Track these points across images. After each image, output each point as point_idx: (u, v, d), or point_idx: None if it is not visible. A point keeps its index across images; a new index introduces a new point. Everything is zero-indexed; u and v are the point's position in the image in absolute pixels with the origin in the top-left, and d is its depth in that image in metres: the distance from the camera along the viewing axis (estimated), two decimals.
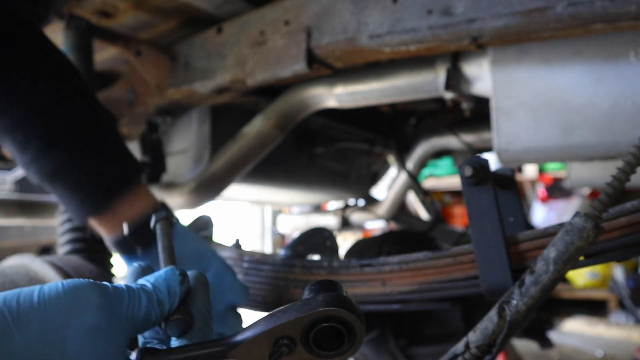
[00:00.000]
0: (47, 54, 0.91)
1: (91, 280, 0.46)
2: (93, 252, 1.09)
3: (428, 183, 4.31)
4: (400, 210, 2.10)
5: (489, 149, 1.87)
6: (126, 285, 0.48)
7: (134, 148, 1.39)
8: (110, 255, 1.14)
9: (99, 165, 0.88)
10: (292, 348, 0.46)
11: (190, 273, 0.53)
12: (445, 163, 4.22)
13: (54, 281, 0.45)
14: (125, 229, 0.82)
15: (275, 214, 3.86)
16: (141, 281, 0.50)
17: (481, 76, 1.06)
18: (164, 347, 0.50)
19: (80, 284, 0.45)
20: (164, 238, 0.61)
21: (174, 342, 0.49)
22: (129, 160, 0.93)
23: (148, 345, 0.50)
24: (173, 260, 0.58)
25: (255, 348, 0.46)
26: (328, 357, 0.47)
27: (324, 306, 0.45)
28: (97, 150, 0.89)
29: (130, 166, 0.92)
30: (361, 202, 2.17)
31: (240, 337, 0.46)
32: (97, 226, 0.90)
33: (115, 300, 0.45)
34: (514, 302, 0.67)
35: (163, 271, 0.50)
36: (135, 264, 0.55)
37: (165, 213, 0.63)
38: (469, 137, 1.75)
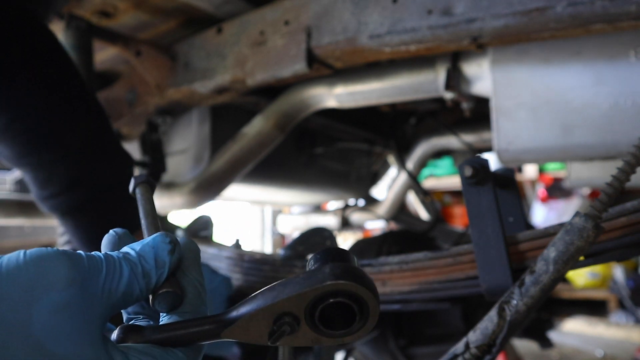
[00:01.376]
0: (84, 97, 0.93)
1: (59, 249, 0.39)
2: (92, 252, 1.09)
3: (428, 183, 4.31)
4: (400, 210, 2.10)
5: (489, 149, 1.87)
6: (105, 254, 0.41)
7: (134, 148, 1.39)
8: None
9: (114, 209, 0.91)
10: (294, 327, 0.40)
11: (180, 240, 0.47)
12: (445, 163, 4.22)
13: (16, 251, 0.38)
14: None
15: (275, 214, 3.86)
16: (125, 249, 0.43)
17: (481, 76, 1.06)
18: (151, 323, 0.45)
19: (46, 254, 0.38)
20: (146, 202, 0.54)
21: (164, 319, 0.43)
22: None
23: (132, 322, 0.45)
24: (157, 227, 0.51)
25: (252, 326, 0.40)
26: (337, 336, 0.41)
27: (331, 279, 0.38)
28: (115, 194, 0.91)
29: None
30: (361, 202, 2.17)
31: (236, 314, 0.41)
32: None
33: (89, 273, 0.39)
34: (514, 302, 0.67)
35: (150, 238, 0.44)
36: (111, 231, 0.47)
37: (146, 176, 0.57)
38: (469, 137, 1.75)
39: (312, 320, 0.40)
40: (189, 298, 0.44)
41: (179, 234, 1.15)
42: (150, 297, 0.43)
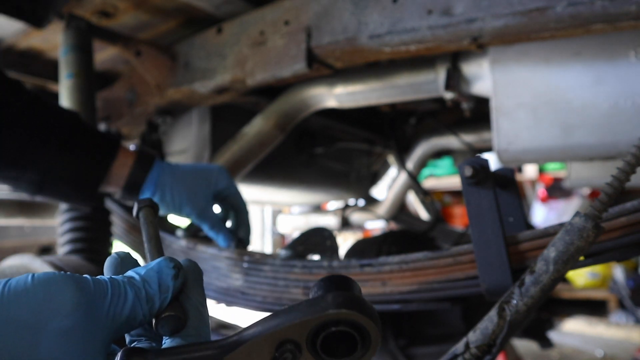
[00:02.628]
0: None
1: (67, 273, 0.40)
2: (93, 252, 1.09)
3: (428, 183, 4.31)
4: (400, 210, 2.10)
5: (489, 149, 1.87)
6: (110, 279, 0.42)
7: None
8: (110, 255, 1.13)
9: (78, 162, 0.92)
10: (296, 354, 0.41)
11: (182, 262, 0.47)
12: (445, 163, 4.22)
13: (24, 274, 0.39)
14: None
15: (275, 214, 3.86)
16: (130, 273, 0.44)
17: (481, 76, 1.06)
18: (153, 345, 0.45)
19: (53, 278, 0.39)
20: (149, 226, 0.55)
21: (167, 341, 0.44)
22: (102, 141, 0.96)
23: (135, 344, 0.45)
24: (160, 250, 0.52)
25: (255, 352, 0.41)
26: None
27: (334, 308, 0.39)
28: (71, 148, 0.91)
29: (106, 144, 0.96)
30: (361, 202, 2.17)
31: (238, 339, 0.41)
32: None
33: (95, 297, 0.39)
34: (514, 302, 0.67)
35: (155, 263, 0.45)
36: (114, 254, 0.48)
37: (149, 200, 0.58)
38: (469, 137, 1.75)
39: (314, 348, 0.41)
40: (192, 321, 0.44)
41: (179, 233, 1.15)
42: (154, 320, 0.43)
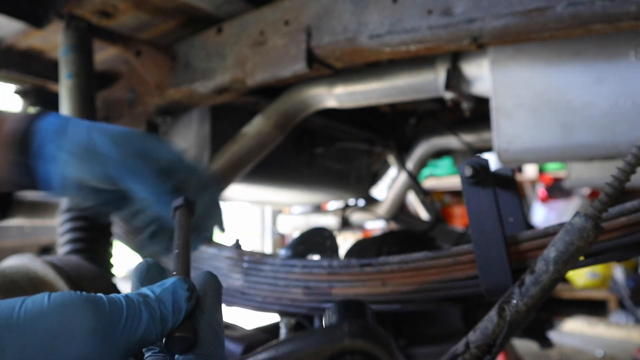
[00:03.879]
0: None
1: (83, 294, 0.39)
2: (93, 252, 1.09)
3: (428, 183, 4.31)
4: (400, 210, 2.10)
5: (489, 149, 1.88)
6: (125, 298, 0.41)
7: None
8: (111, 255, 1.14)
9: None
10: None
11: (200, 276, 0.47)
12: (445, 163, 4.22)
13: (41, 293, 0.39)
14: None
15: (275, 214, 3.87)
16: (144, 291, 0.44)
17: (481, 76, 1.06)
18: (167, 358, 0.45)
19: (70, 301, 0.38)
20: (181, 231, 0.52)
21: (179, 359, 0.44)
22: None
23: (149, 356, 0.46)
24: (188, 261, 0.51)
25: None
26: None
27: (349, 337, 0.40)
28: None
29: None
30: (361, 202, 2.17)
31: None
32: None
33: (111, 319, 0.39)
34: (514, 302, 0.67)
35: (170, 283, 0.44)
36: (142, 262, 0.47)
37: (186, 200, 0.53)
38: (469, 137, 1.75)
39: None
40: (206, 339, 0.44)
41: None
42: (164, 339, 0.44)
